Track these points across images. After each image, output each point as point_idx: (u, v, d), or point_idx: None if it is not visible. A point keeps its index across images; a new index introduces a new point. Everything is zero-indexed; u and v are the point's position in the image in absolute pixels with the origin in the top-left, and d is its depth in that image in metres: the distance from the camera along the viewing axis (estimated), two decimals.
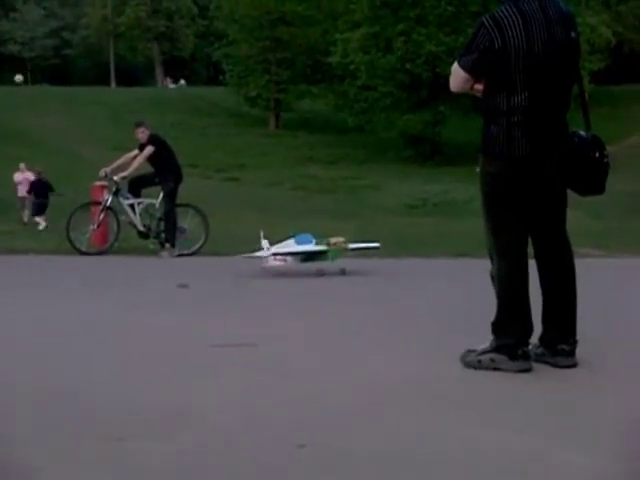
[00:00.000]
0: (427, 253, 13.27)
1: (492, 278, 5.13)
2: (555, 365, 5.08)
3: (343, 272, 10.25)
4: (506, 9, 4.94)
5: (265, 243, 10.78)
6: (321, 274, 10.29)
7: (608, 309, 7.25)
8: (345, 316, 7.17)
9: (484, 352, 5.06)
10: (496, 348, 5.02)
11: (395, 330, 6.45)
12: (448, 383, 4.79)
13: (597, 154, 5.00)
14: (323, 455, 3.60)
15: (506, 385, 4.74)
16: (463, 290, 8.66)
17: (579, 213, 18.08)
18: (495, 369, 4.96)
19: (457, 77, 5.11)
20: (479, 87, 5.09)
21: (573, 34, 5.03)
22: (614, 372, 5.03)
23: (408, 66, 36.56)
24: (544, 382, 4.82)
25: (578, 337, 5.12)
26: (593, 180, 5.04)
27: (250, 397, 4.50)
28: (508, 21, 4.88)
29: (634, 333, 6.26)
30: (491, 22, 4.92)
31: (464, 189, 24.82)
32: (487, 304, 5.19)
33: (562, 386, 4.74)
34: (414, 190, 27.43)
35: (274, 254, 10.55)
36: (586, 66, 35.35)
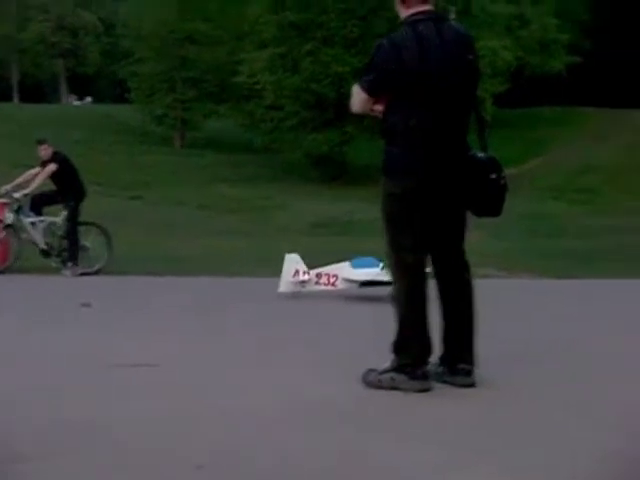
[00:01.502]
0: None
1: (392, 298, 5.18)
2: (454, 384, 5.14)
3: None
4: (404, 32, 5.03)
5: (301, 266, 9.91)
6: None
7: (507, 329, 7.37)
8: (251, 335, 7.16)
9: (385, 371, 5.10)
10: (396, 367, 5.07)
11: (299, 350, 6.46)
12: (349, 402, 4.81)
13: (494, 176, 5.11)
14: (219, 476, 3.59)
15: (405, 404, 4.78)
16: (369, 309, 8.70)
17: (481, 234, 18.39)
18: (395, 388, 5.00)
19: (357, 98, 5.18)
20: (379, 108, 5.15)
21: (471, 56, 5.13)
22: (512, 391, 5.12)
23: (314, 86, 36.75)
24: (443, 401, 4.88)
25: (477, 357, 5.20)
26: (490, 201, 5.14)
27: (151, 417, 4.46)
28: (405, 43, 4.97)
29: (531, 352, 6.38)
30: (389, 44, 5.01)
31: (369, 209, 24.98)
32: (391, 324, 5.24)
33: (460, 405, 4.81)
34: (320, 210, 27.52)
35: (343, 279, 9.66)
36: (488, 89, 35.94)
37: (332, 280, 9.73)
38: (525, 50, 42.89)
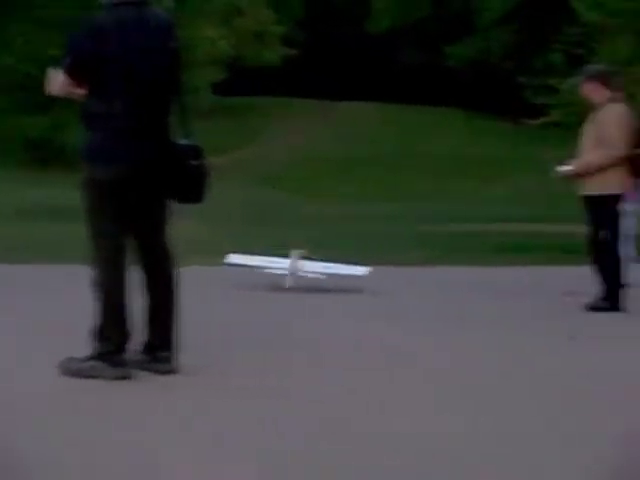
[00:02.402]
0: (45, 259, 12.91)
1: (93, 285, 5.08)
2: (155, 371, 5.12)
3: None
4: (105, 16, 4.96)
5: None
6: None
7: (211, 316, 7.40)
8: None
9: (85, 359, 5.00)
10: (96, 355, 4.98)
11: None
12: (50, 393, 4.69)
13: (196, 163, 5.12)
14: None
15: (105, 392, 4.71)
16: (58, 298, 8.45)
17: (192, 222, 18.42)
18: (94, 376, 4.91)
19: (56, 80, 5.06)
20: (79, 91, 5.05)
21: (172, 43, 5.12)
22: (213, 378, 5.16)
23: (25, 67, 35.49)
24: (143, 388, 4.85)
25: (178, 344, 5.20)
26: (192, 189, 5.16)
27: None
28: (105, 26, 4.90)
29: (233, 339, 6.44)
30: (88, 27, 4.93)
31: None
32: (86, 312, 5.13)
33: (162, 392, 4.80)
34: (29, 196, 26.62)
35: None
36: (205, 77, 36.12)
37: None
38: (241, 40, 43.41)
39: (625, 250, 9.19)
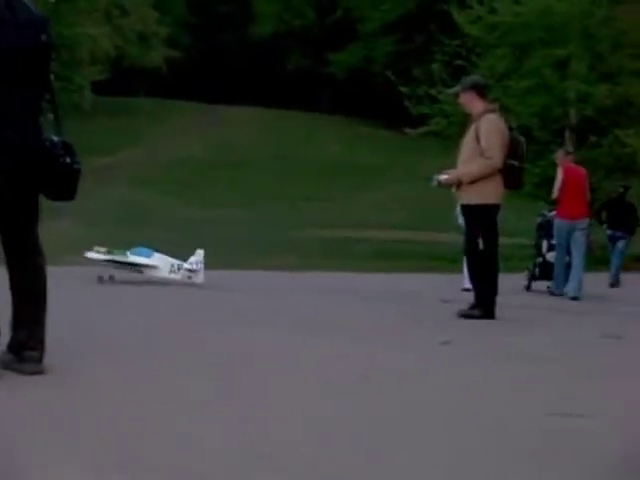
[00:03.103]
0: None
1: None
2: (22, 372, 5.00)
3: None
4: None
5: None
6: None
7: (81, 316, 7.30)
8: None
9: None
10: None
11: None
12: None
13: (68, 160, 5.04)
14: None
15: None
16: None
17: (70, 221, 18.15)
18: None
19: None
20: None
21: (44, 37, 5.01)
22: (83, 379, 5.08)
23: None
24: (10, 389, 4.74)
25: (46, 344, 5.10)
26: (63, 186, 5.07)
27: None
28: None
29: (101, 338, 6.37)
30: None
31: None
32: None
33: (28, 394, 4.69)
34: None
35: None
36: (87, 76, 35.61)
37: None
38: (125, 40, 42.95)
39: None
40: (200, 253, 11.34)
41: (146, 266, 11.26)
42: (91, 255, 11.19)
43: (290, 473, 3.48)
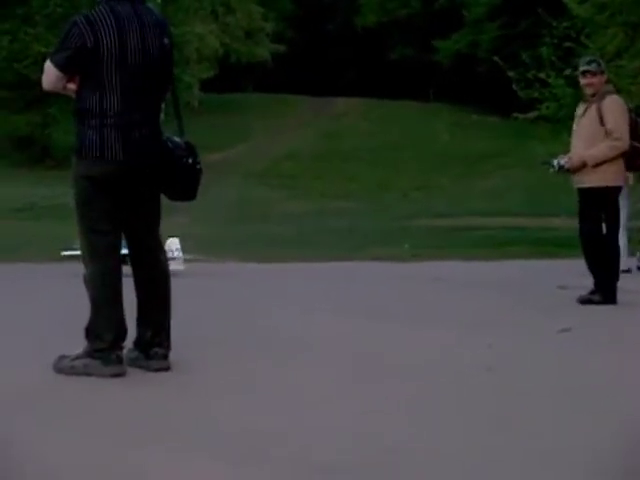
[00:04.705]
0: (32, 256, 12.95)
1: (85, 282, 5.08)
2: (149, 368, 5.12)
3: None
4: (100, 10, 4.95)
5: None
6: None
7: (203, 312, 7.42)
8: None
9: (77, 357, 5.00)
10: (89, 353, 4.98)
11: None
12: (43, 391, 4.68)
13: (190, 160, 5.14)
14: None
15: (99, 390, 4.71)
16: (60, 295, 8.45)
17: (185, 219, 18.46)
18: (88, 374, 4.91)
19: (50, 75, 5.05)
20: (72, 87, 5.05)
21: (167, 41, 5.13)
22: (207, 374, 5.17)
23: (15, 66, 35.38)
24: (138, 386, 4.85)
25: (172, 340, 5.21)
26: (185, 186, 5.17)
27: None
28: (102, 21, 4.89)
29: (223, 335, 6.44)
30: (84, 21, 4.91)
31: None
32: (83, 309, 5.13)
33: (156, 390, 4.79)
34: (22, 194, 26.58)
35: None
36: (195, 74, 36.08)
37: None
38: (231, 37, 43.36)
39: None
40: (174, 241, 10.89)
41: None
42: (67, 252, 10.65)
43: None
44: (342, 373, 5.25)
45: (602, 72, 8.77)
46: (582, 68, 8.86)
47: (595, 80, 8.66)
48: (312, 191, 30.42)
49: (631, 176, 10.63)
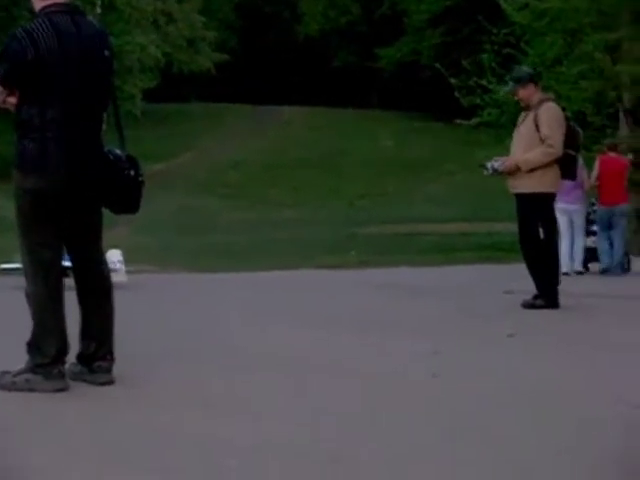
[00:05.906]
0: None
1: (27, 296, 5.01)
2: (93, 382, 5.06)
3: None
4: (40, 22, 4.91)
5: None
6: None
7: (149, 324, 7.38)
8: None
9: (19, 373, 4.92)
10: (31, 368, 4.90)
11: None
12: None
13: (132, 172, 5.10)
14: None
15: (41, 406, 4.64)
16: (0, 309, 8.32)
17: (130, 230, 18.34)
18: (30, 390, 4.84)
19: None
20: (12, 100, 4.99)
21: (107, 52, 5.10)
22: (151, 387, 5.12)
23: None
24: (81, 401, 4.79)
25: (115, 354, 5.15)
26: (127, 199, 5.14)
27: None
28: (42, 34, 4.85)
29: (170, 347, 6.40)
30: (24, 34, 4.87)
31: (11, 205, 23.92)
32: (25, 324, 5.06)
33: (100, 404, 4.74)
34: None
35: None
36: (137, 84, 35.89)
37: None
38: (173, 47, 43.18)
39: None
40: (115, 253, 10.54)
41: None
42: (6, 266, 10.64)
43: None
44: (286, 382, 5.23)
45: (529, 81, 8.95)
46: (506, 89, 9.44)
47: (524, 93, 8.90)
48: (258, 200, 30.39)
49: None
